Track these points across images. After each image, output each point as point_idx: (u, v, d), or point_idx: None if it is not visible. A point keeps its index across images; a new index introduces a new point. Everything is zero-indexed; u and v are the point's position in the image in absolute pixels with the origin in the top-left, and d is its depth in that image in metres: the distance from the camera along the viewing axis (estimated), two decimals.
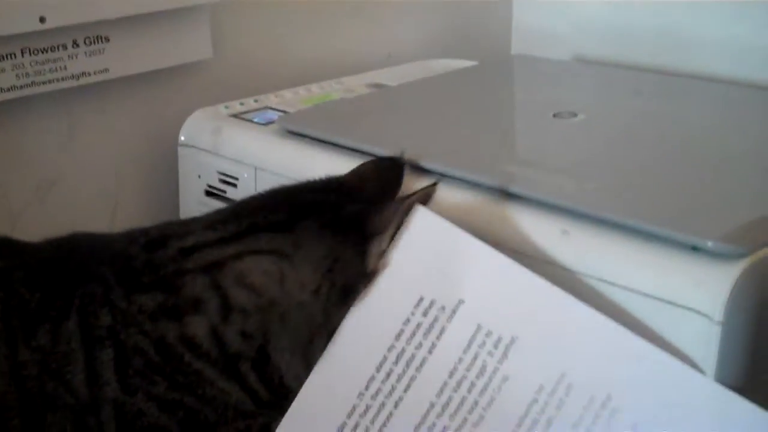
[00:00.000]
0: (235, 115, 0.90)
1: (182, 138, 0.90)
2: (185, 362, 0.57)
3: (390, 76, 1.02)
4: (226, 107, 0.92)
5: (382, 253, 0.61)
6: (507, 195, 0.66)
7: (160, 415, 0.57)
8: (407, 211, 0.62)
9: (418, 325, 0.59)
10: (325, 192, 0.65)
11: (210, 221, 0.62)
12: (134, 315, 0.58)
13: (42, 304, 0.58)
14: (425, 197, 0.64)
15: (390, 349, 0.59)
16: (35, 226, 0.76)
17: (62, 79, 0.86)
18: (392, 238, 0.61)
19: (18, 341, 0.57)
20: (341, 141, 0.78)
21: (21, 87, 0.83)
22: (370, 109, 0.91)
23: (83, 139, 0.91)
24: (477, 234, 0.61)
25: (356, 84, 1.00)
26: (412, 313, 0.59)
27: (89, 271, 0.60)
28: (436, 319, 0.59)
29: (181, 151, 0.90)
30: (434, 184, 0.65)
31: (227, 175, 0.86)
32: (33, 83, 0.84)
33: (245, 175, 0.84)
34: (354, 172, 0.67)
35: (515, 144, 0.80)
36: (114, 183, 0.94)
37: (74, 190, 0.91)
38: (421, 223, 0.61)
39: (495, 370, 0.57)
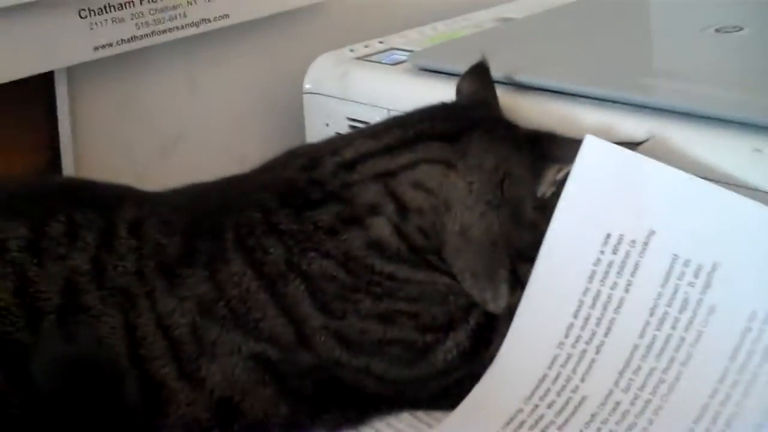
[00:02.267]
0: (360, 58, 0.86)
1: (307, 85, 0.86)
2: (377, 271, 0.55)
3: (517, 9, 0.97)
4: (351, 50, 0.88)
5: (556, 185, 0.57)
6: (691, 116, 0.60)
7: (384, 329, 0.55)
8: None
9: (610, 264, 0.55)
10: (475, 108, 0.64)
11: (369, 131, 0.61)
12: (309, 235, 0.55)
13: (184, 247, 0.55)
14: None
15: (585, 292, 0.56)
16: (161, 184, 0.72)
17: (182, 27, 0.82)
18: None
19: (156, 291, 0.54)
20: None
21: (141, 37, 0.80)
22: (505, 41, 0.85)
23: (205, 90, 0.88)
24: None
25: (483, 19, 0.95)
26: (602, 252, 0.56)
27: (236, 204, 0.57)
28: (627, 255, 0.55)
29: (306, 98, 0.86)
30: (642, 142, 0.60)
31: (358, 120, 0.81)
32: (153, 33, 0.81)
33: (377, 119, 0.78)
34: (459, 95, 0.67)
35: (684, 63, 0.73)
36: (239, 136, 0.90)
37: (198, 144, 0.88)
38: (595, 152, 0.57)
39: (699, 302, 0.53)
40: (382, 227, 0.56)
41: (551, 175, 0.58)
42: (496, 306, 0.57)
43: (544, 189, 0.58)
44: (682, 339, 0.53)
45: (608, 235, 0.56)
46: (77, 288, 0.53)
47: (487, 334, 0.57)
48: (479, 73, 0.67)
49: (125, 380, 0.53)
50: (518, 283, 0.58)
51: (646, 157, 0.56)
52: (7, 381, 0.51)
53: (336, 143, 0.61)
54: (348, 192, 0.57)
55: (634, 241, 0.55)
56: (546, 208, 0.58)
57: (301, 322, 0.54)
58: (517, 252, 0.58)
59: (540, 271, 0.57)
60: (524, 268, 0.58)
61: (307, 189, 0.57)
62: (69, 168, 0.79)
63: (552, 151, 0.58)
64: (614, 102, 0.64)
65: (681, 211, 0.55)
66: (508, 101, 0.68)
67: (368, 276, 0.55)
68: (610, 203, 0.56)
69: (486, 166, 0.57)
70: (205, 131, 0.89)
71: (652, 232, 0.55)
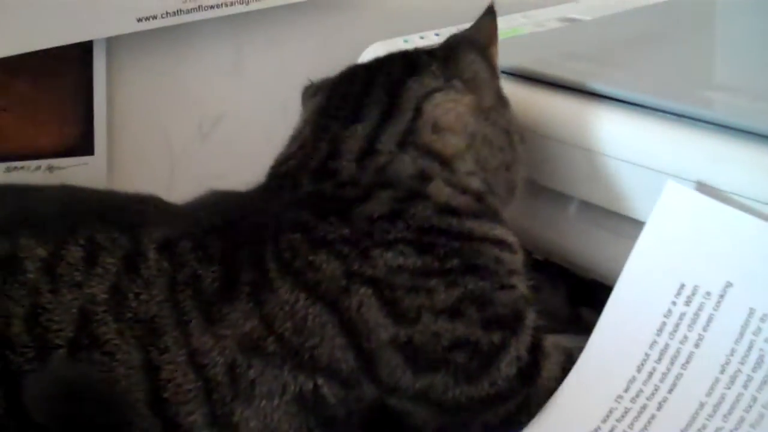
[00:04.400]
0: None
1: None
2: (453, 232, 0.54)
3: (583, 9, 0.91)
4: (406, 41, 0.84)
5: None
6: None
7: (454, 326, 0.52)
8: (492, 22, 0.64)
9: (682, 316, 0.53)
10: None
11: (341, 120, 0.58)
12: (367, 232, 0.52)
13: (225, 280, 0.50)
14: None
15: (651, 345, 0.53)
16: (196, 166, 0.69)
17: (231, 3, 0.79)
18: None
19: (191, 325, 0.49)
20: (545, 74, 0.68)
21: (188, 11, 0.77)
22: (570, 42, 0.80)
23: (250, 72, 0.86)
24: (742, 189, 0.54)
25: (545, 18, 0.90)
26: (674, 303, 0.54)
27: (269, 232, 0.53)
28: (701, 307, 0.53)
29: None
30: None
31: None
32: (200, 7, 0.77)
33: None
34: None
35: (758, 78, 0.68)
36: (281, 122, 0.86)
37: (239, 127, 0.85)
38: (675, 198, 0.55)
39: None
40: (442, 189, 0.55)
41: (494, 54, 0.63)
42: None
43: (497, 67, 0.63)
44: (754, 399, 0.50)
45: (682, 285, 0.53)
46: (92, 319, 0.49)
47: (538, 354, 0.55)
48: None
49: (140, 429, 0.48)
50: None
51: (726, 206, 0.54)
52: (7, 414, 0.47)
53: (320, 149, 0.57)
54: (387, 174, 0.55)
55: (709, 293, 0.52)
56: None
57: (366, 338, 0.50)
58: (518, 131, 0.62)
59: (608, 318, 0.55)
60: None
61: (340, 193, 0.54)
62: (102, 145, 0.77)
63: (483, 39, 0.63)
64: (681, 116, 0.60)
65: (761, 262, 0.52)
66: (572, 106, 0.64)
67: (444, 246, 0.53)
68: (686, 252, 0.54)
69: (468, 75, 0.60)
70: (246, 114, 0.86)
71: (729, 284, 0.52)
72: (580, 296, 0.70)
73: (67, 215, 0.54)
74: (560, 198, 0.65)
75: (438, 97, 0.58)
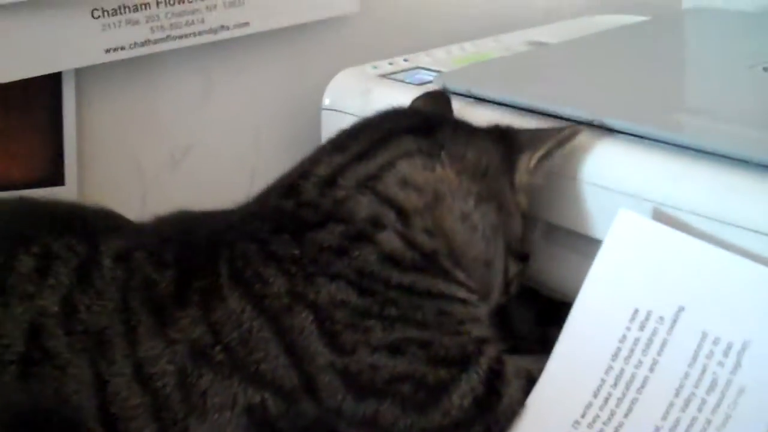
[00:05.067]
0: (384, 76, 0.82)
1: (326, 101, 0.82)
2: (394, 285, 0.53)
3: (551, 34, 0.92)
4: (375, 67, 0.84)
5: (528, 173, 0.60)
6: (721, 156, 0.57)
7: (394, 362, 0.52)
8: (562, 138, 0.60)
9: (636, 341, 0.54)
10: (435, 111, 0.66)
11: (332, 146, 0.60)
12: (315, 258, 0.52)
13: (178, 285, 0.51)
14: (573, 133, 0.61)
15: (607, 371, 0.54)
16: (168, 195, 0.69)
17: (199, 33, 0.79)
18: (542, 159, 0.60)
19: (140, 328, 0.49)
20: (512, 100, 0.69)
21: (155, 41, 0.77)
22: (536, 66, 0.82)
23: (220, 100, 0.86)
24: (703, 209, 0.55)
25: (514, 42, 0.91)
26: (628, 328, 0.54)
27: (227, 237, 0.54)
28: (655, 332, 0.54)
29: (324, 115, 0.82)
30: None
31: None
32: (168, 37, 0.78)
33: None
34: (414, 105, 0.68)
35: (721, 101, 0.69)
36: (252, 149, 0.88)
37: (210, 156, 0.85)
38: (627, 225, 0.56)
39: (728, 383, 0.51)
40: (391, 240, 0.55)
41: (525, 163, 0.60)
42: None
43: (520, 177, 0.60)
44: (708, 422, 0.50)
45: (636, 311, 0.54)
46: (43, 333, 0.48)
47: (498, 383, 0.55)
48: (437, 98, 0.68)
49: None
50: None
51: (676, 231, 0.54)
52: None
53: (302, 166, 0.59)
54: (343, 209, 0.55)
55: (662, 318, 0.53)
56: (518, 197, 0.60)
57: (306, 360, 0.51)
58: (507, 246, 0.60)
59: (563, 345, 0.55)
60: (514, 266, 0.60)
61: (299, 213, 0.55)
62: (72, 175, 0.77)
63: (521, 141, 0.60)
64: (644, 138, 0.61)
65: (712, 286, 0.53)
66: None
67: (383, 294, 0.53)
68: (639, 278, 0.55)
69: (469, 158, 0.58)
70: (217, 143, 0.86)
71: (681, 309, 0.53)
72: (548, 316, 0.71)
73: (23, 225, 0.53)
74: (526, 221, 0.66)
75: (416, 159, 0.58)
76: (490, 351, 0.55)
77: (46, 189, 0.76)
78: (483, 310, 0.57)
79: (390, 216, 0.55)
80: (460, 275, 0.57)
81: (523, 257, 0.62)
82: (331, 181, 0.56)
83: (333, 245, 0.53)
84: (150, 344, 0.49)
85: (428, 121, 0.61)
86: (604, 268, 0.56)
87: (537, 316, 0.71)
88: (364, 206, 0.55)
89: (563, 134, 0.60)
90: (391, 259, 0.54)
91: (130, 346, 0.49)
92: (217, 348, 0.50)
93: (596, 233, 0.60)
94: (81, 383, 0.48)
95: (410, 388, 0.52)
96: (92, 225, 0.55)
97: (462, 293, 0.56)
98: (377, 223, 0.55)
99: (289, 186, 0.57)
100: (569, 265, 0.64)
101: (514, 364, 0.56)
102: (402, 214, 0.56)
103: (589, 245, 0.61)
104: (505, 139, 0.61)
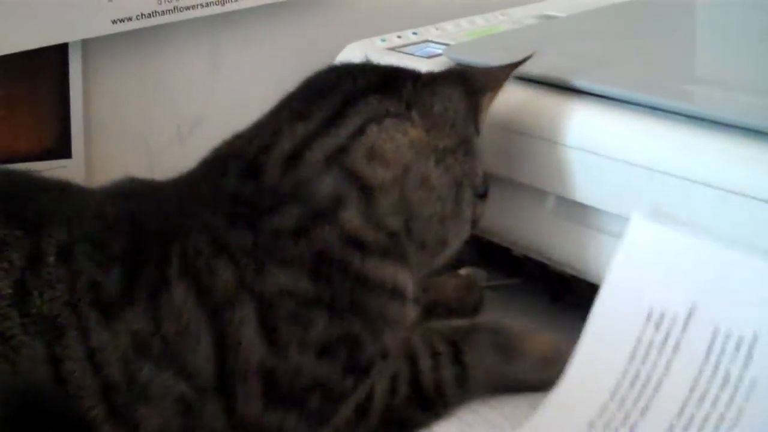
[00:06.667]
0: (393, 49, 0.81)
1: None
2: (351, 271, 0.52)
3: (560, 7, 0.92)
4: (383, 40, 0.83)
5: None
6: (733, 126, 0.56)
7: (318, 365, 0.51)
8: (511, 73, 0.61)
9: (651, 343, 0.54)
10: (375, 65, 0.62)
11: (292, 112, 0.56)
12: (270, 244, 0.51)
13: (125, 283, 0.50)
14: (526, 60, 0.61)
15: (624, 373, 0.54)
16: (176, 167, 0.68)
17: (207, 4, 0.79)
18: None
19: (89, 327, 0.48)
20: (520, 72, 0.66)
21: (163, 12, 0.77)
22: (545, 39, 0.80)
23: (228, 72, 0.85)
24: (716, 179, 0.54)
25: (523, 15, 0.91)
26: (643, 330, 0.55)
27: (179, 227, 0.51)
28: (669, 333, 0.54)
29: None
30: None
31: None
32: (176, 8, 0.77)
33: None
34: None
35: (732, 71, 0.68)
36: None
37: (218, 129, 0.83)
38: (639, 232, 0.57)
39: (740, 378, 0.51)
40: (353, 218, 0.53)
41: (487, 102, 0.59)
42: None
43: (483, 117, 0.59)
44: (722, 417, 0.51)
45: (650, 312, 0.55)
46: None
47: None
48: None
49: (50, 422, 0.48)
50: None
51: (687, 232, 0.55)
52: None
53: (264, 136, 0.56)
54: (305, 189, 0.53)
55: (675, 317, 0.54)
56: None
57: (232, 357, 0.49)
58: (474, 190, 0.59)
59: (582, 350, 0.56)
60: (480, 207, 0.60)
61: (257, 197, 0.53)
62: (79, 148, 0.76)
63: (482, 80, 0.60)
64: (655, 109, 0.60)
65: (722, 283, 0.53)
66: (547, 101, 0.64)
67: (339, 282, 0.51)
68: (652, 279, 0.56)
69: (437, 111, 0.57)
70: (224, 116, 0.83)
71: (694, 307, 0.54)
72: (560, 293, 0.70)
73: None
74: (537, 194, 0.65)
75: (387, 122, 0.55)
76: (380, 365, 0.54)
77: (54, 162, 0.76)
78: (413, 311, 0.56)
79: (353, 193, 0.53)
80: (412, 251, 0.56)
81: (483, 195, 0.61)
82: (296, 156, 0.54)
83: (290, 228, 0.51)
84: (98, 336, 0.48)
85: (387, 76, 0.58)
86: (619, 273, 0.57)
87: (549, 293, 0.71)
88: (327, 183, 0.53)
89: (512, 66, 0.61)
90: (353, 241, 0.52)
91: (81, 335, 0.48)
92: (155, 338, 0.49)
93: (609, 207, 0.60)
94: (35, 362, 0.47)
95: (318, 399, 0.52)
96: (36, 207, 0.52)
97: (409, 286, 0.55)
98: (340, 201, 0.53)
99: (248, 163, 0.54)
100: (581, 241, 0.63)
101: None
102: (366, 190, 0.53)
103: (600, 219, 0.61)
104: (465, 81, 0.59)
